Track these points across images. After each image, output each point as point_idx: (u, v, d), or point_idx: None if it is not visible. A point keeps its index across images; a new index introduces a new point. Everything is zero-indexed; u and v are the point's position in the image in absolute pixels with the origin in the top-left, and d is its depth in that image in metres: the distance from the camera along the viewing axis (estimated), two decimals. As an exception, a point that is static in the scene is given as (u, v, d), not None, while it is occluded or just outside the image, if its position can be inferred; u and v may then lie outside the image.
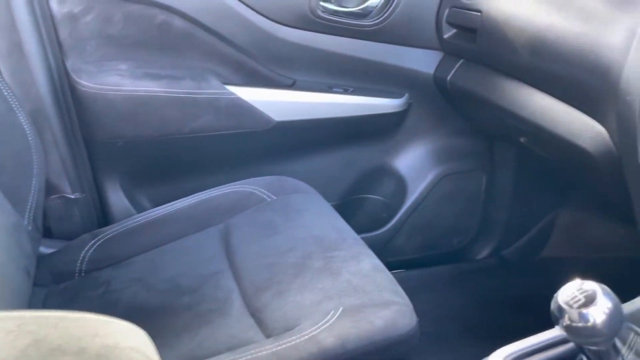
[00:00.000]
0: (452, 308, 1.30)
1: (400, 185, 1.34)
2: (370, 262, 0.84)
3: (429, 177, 1.34)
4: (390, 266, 0.87)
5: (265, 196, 1.02)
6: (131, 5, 1.05)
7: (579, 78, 0.84)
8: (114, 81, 1.06)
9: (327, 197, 1.30)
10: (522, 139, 1.11)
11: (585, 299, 0.42)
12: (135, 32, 1.07)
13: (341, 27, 1.16)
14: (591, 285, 0.46)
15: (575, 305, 0.42)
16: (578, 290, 0.45)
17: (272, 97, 1.15)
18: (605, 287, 0.48)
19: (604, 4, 0.81)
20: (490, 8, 1.05)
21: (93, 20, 1.04)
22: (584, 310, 0.41)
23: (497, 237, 1.41)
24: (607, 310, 0.41)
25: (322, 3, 1.13)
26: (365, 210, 1.36)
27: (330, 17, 1.14)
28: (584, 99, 0.86)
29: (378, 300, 0.76)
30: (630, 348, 0.45)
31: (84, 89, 1.05)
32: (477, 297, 1.33)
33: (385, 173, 1.34)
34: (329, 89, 1.19)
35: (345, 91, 1.20)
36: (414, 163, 1.33)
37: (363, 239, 0.92)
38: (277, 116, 1.14)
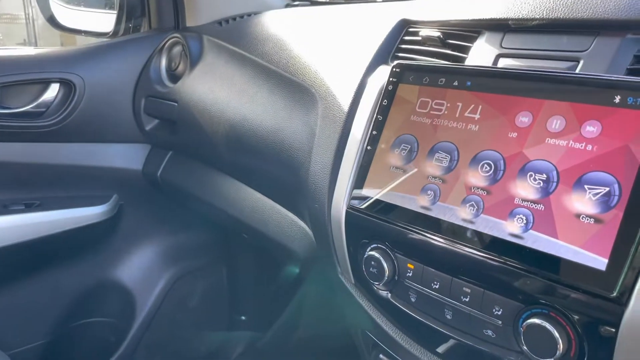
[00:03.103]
0: None
1: (127, 300, 1.14)
2: None
3: (161, 283, 1.17)
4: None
5: None
6: None
7: (276, 174, 0.78)
8: None
9: (30, 337, 1.04)
10: (244, 235, 1.02)
11: None
12: None
13: (8, 132, 0.93)
14: None
15: None
16: None
17: None
18: None
19: (286, 99, 0.76)
20: (185, 99, 0.94)
21: None
22: None
23: (250, 330, 1.30)
24: None
25: (-28, 105, 0.89)
26: (88, 338, 1.12)
27: (-13, 122, 0.90)
28: (286, 197, 0.80)
29: None
30: None
31: None
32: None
33: (106, 289, 1.13)
34: (3, 209, 0.94)
35: (29, 207, 0.96)
36: (140, 271, 1.15)
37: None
38: None
